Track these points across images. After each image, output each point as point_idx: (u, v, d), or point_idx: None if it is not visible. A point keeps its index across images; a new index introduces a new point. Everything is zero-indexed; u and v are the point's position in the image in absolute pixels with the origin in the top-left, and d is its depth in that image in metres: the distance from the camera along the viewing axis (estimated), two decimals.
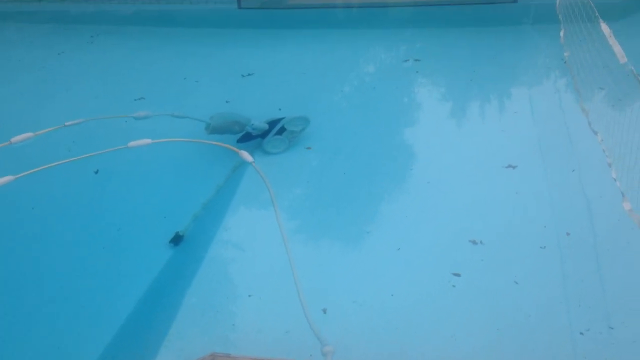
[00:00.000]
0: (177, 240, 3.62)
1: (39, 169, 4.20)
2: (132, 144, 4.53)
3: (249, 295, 3.20)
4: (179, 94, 5.49)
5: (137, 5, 8.00)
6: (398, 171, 4.26)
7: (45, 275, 3.46)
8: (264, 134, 4.58)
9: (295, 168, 4.33)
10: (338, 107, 5.18)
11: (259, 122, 4.60)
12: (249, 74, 5.88)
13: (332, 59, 6.34)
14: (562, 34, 5.12)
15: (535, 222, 3.53)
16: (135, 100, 5.37)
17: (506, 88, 5.46)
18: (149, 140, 4.54)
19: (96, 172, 4.35)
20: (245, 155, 4.34)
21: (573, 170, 3.98)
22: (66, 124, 4.84)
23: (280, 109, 4.94)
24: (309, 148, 4.52)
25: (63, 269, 3.48)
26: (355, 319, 3.00)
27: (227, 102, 5.22)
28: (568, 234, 3.41)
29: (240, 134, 4.59)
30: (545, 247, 3.33)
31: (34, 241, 3.73)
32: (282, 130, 4.60)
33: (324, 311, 3.02)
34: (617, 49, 3.10)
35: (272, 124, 4.64)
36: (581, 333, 2.80)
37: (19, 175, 4.04)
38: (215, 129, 4.56)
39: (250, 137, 4.58)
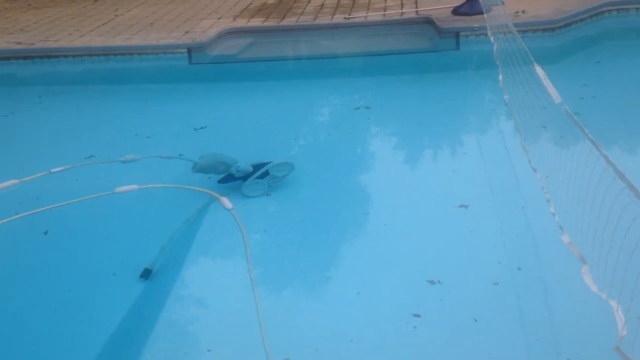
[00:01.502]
0: (146, 274, 3.64)
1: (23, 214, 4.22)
2: (119, 189, 4.52)
3: (208, 350, 3.12)
4: (131, 151, 5.41)
5: (86, 65, 8.00)
6: (355, 215, 4.30)
7: None
8: (246, 177, 4.58)
9: (253, 215, 4.32)
10: (293, 155, 5.23)
11: (245, 164, 4.59)
12: (201, 127, 5.90)
13: (285, 109, 6.44)
14: (500, 78, 5.38)
15: (489, 259, 3.59)
16: (85, 158, 5.29)
17: (454, 131, 5.65)
18: (135, 186, 4.54)
19: (45, 233, 4.23)
20: (225, 201, 4.35)
21: (522, 207, 4.11)
22: (52, 170, 4.85)
23: None
24: (268, 195, 4.53)
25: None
26: None
27: (180, 155, 5.20)
28: (519, 268, 3.48)
29: (223, 175, 4.59)
30: (498, 283, 3.39)
31: None
32: (265, 174, 4.61)
33: None
34: (552, 90, 3.27)
35: (257, 167, 4.64)
36: None
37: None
38: (202, 169, 4.55)
39: (233, 179, 4.59)
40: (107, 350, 3.17)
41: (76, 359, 3.14)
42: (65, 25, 9.28)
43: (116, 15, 9.73)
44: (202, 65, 7.83)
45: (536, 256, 3.59)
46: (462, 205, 4.17)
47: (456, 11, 8.12)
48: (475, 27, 7.43)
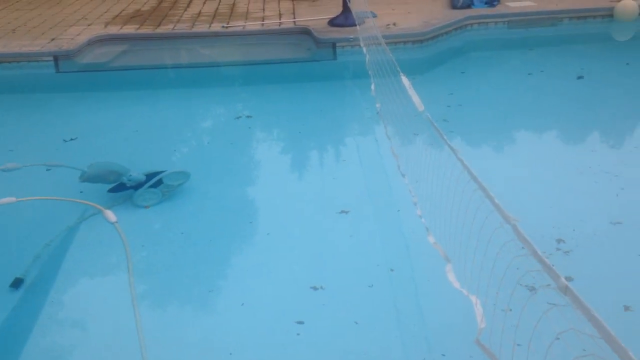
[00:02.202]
0: (17, 283, 3.54)
1: None
2: None
3: None
4: None
5: None
6: (237, 225, 4.28)
7: None
8: (138, 186, 4.42)
9: (133, 228, 4.17)
10: (172, 165, 5.08)
11: (137, 173, 4.45)
12: (71, 139, 5.58)
13: (163, 119, 6.26)
14: (372, 87, 5.61)
15: (368, 262, 3.73)
16: None
17: (333, 138, 5.80)
18: (13, 199, 4.24)
19: None
20: (110, 214, 4.20)
21: (398, 211, 4.30)
22: None
23: None
24: (146, 207, 4.38)
25: None
26: None
27: (47, 170, 4.88)
28: (392, 270, 3.65)
29: (114, 184, 4.42)
30: (372, 285, 3.52)
31: None
32: (158, 183, 4.47)
33: None
34: (415, 98, 3.45)
35: (150, 176, 4.50)
36: None
37: None
38: (90, 178, 4.35)
39: (124, 188, 4.43)
40: None
41: None
42: None
43: None
44: (70, 74, 7.41)
45: (407, 257, 3.77)
46: (342, 211, 4.29)
47: (332, 22, 8.36)
48: (351, 38, 7.69)
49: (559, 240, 3.81)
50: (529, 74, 7.22)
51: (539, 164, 4.96)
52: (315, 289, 3.49)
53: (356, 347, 3.07)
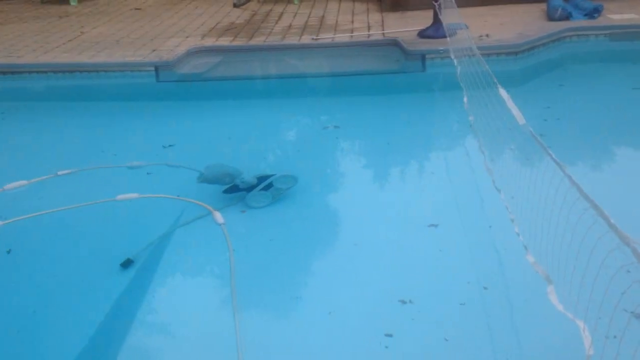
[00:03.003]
0: (127, 264, 3.85)
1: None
2: (120, 197, 4.67)
3: None
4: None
5: (50, 81, 7.86)
6: (324, 234, 4.30)
7: None
8: (250, 188, 4.65)
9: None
10: (263, 173, 5.21)
11: (250, 176, 4.72)
12: (169, 145, 5.85)
13: (253, 128, 6.43)
14: (465, 99, 5.48)
15: (458, 279, 3.63)
16: (49, 174, 5.18)
17: (421, 150, 5.73)
18: (136, 195, 4.69)
19: (8, 252, 4.11)
20: (218, 216, 4.42)
21: (490, 227, 4.17)
22: (59, 173, 5.09)
23: None
24: (243, 212, 4.51)
25: None
26: None
27: (148, 174, 5.14)
28: (485, 288, 3.53)
29: (228, 186, 4.69)
30: (464, 303, 3.41)
31: None
32: (269, 186, 4.69)
33: None
34: (516, 111, 3.33)
35: (261, 179, 4.74)
36: None
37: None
38: (208, 179, 4.65)
39: (237, 190, 4.68)
40: None
41: None
42: (30, 41, 9.11)
43: (82, 33, 9.61)
44: (169, 83, 7.79)
45: (502, 276, 3.64)
46: (431, 225, 4.22)
47: (422, 34, 8.29)
48: (441, 49, 7.58)
49: None
50: (633, 88, 6.81)
51: None
52: (403, 302, 3.44)
53: None
